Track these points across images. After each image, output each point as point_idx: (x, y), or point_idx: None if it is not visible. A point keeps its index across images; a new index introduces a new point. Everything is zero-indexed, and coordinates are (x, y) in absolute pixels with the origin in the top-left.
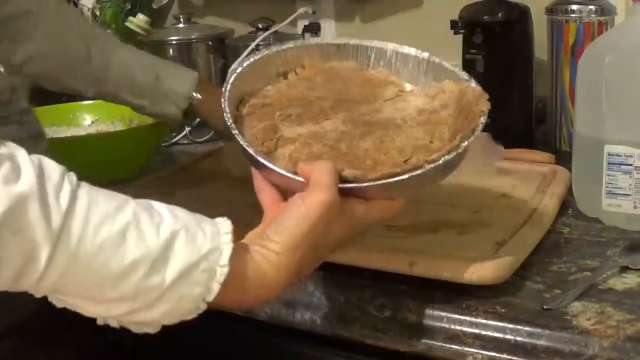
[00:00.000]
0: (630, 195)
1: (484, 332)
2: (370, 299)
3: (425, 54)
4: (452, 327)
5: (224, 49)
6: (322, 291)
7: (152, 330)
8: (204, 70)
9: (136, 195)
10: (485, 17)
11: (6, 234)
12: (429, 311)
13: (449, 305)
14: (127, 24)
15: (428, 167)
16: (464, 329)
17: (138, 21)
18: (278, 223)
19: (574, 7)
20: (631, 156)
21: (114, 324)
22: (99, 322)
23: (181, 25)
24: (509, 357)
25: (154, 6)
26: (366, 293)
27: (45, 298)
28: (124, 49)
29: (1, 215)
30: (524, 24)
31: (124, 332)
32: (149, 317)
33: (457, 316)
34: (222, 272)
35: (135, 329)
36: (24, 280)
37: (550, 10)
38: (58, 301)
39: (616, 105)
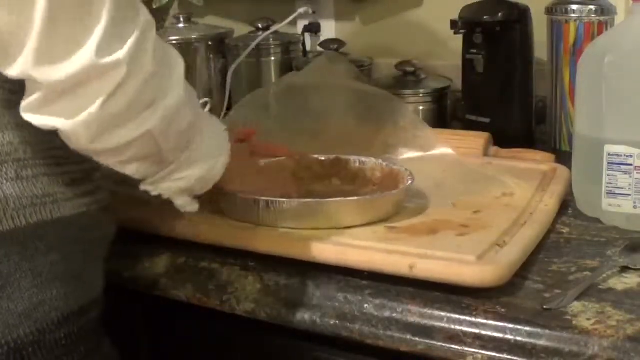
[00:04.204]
0: (630, 195)
1: (484, 332)
2: (370, 298)
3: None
4: (452, 327)
5: (224, 49)
6: (322, 291)
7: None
8: (204, 70)
9: None
10: (485, 17)
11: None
12: (428, 311)
13: (449, 305)
14: None
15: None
16: (464, 329)
17: None
18: None
19: (574, 7)
20: (631, 156)
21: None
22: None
23: (181, 25)
24: (509, 357)
25: (154, 6)
26: (366, 293)
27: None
28: None
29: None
30: (524, 24)
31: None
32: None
33: (457, 316)
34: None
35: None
36: None
37: (550, 10)
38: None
39: (616, 105)
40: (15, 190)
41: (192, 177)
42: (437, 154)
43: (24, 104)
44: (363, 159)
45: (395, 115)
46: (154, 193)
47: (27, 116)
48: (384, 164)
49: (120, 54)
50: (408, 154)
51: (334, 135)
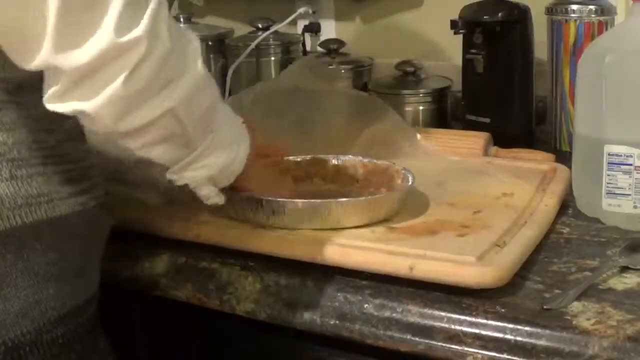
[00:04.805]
0: (630, 195)
1: (484, 332)
2: (370, 298)
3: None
4: (452, 327)
5: (224, 49)
6: (322, 291)
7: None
8: None
9: None
10: (485, 17)
11: None
12: (428, 311)
13: (449, 305)
14: None
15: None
16: (464, 329)
17: None
18: None
19: (574, 7)
20: (631, 156)
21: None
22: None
23: (181, 25)
24: (509, 357)
25: None
26: (366, 293)
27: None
28: None
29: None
30: (524, 24)
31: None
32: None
33: (457, 316)
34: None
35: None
36: None
37: (550, 10)
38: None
39: (616, 105)
40: (10, 190)
41: (216, 164)
42: (423, 154)
43: (47, 95)
44: (341, 157)
45: (379, 118)
46: (180, 182)
47: (52, 106)
48: (365, 160)
49: (139, 30)
50: (394, 155)
51: (316, 137)
